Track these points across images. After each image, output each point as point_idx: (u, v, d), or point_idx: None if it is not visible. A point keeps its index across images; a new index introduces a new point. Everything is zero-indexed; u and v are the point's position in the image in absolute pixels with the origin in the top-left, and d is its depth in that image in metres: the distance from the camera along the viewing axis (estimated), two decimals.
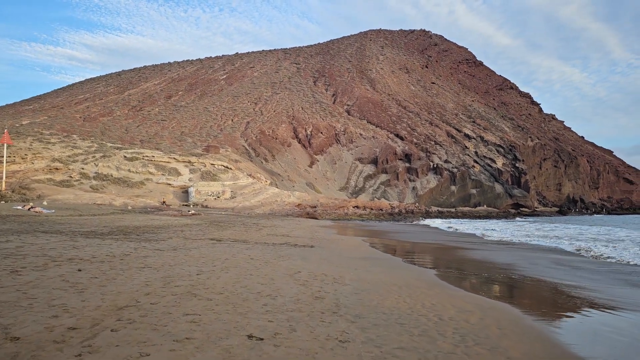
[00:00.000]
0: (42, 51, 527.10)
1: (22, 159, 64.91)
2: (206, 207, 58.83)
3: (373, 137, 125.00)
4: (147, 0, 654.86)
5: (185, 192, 66.02)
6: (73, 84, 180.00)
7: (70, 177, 65.53)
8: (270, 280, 9.13)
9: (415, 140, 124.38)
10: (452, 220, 70.24)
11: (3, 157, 56.18)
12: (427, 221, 64.35)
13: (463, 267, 16.07)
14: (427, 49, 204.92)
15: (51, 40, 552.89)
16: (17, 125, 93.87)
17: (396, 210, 74.95)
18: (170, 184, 67.60)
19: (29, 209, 29.60)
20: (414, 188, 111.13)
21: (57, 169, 66.66)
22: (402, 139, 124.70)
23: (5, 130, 61.60)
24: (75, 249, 12.33)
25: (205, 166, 73.92)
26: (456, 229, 43.71)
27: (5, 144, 55.90)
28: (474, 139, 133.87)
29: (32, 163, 67.03)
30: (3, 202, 39.92)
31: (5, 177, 54.00)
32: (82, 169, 68.02)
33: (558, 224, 57.43)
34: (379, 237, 28.93)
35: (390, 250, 21.29)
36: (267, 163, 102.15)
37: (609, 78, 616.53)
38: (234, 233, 22.54)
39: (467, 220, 73.08)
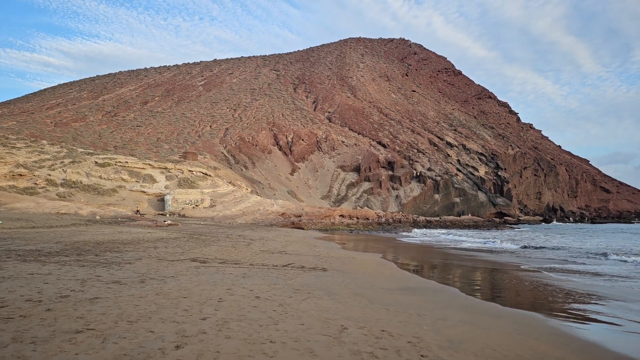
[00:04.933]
0: (18, 57, 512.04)
1: None
2: (184, 216, 54.24)
3: (355, 144, 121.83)
4: (127, 7, 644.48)
5: (161, 200, 61.24)
6: (45, 89, 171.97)
7: (35, 184, 60.24)
8: (311, 357, 5.14)
9: (397, 148, 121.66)
10: (444, 230, 67.02)
11: None
12: (420, 231, 60.95)
13: (563, 305, 11.48)
14: (407, 58, 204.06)
15: (27, 46, 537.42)
16: None
17: (383, 219, 71.46)
18: (144, 192, 62.73)
19: None
20: (397, 196, 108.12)
21: (21, 175, 61.33)
22: (384, 146, 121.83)
23: None
24: None
25: (182, 173, 69.18)
26: (462, 240, 40.09)
27: None
28: (456, 147, 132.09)
29: None
30: None
31: None
32: (49, 175, 62.62)
33: (574, 236, 52.98)
34: (393, 252, 24.85)
35: (427, 272, 17.24)
36: (247, 170, 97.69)
37: (580, 90, 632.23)
38: (220, 250, 18.41)
39: (460, 230, 69.99)
